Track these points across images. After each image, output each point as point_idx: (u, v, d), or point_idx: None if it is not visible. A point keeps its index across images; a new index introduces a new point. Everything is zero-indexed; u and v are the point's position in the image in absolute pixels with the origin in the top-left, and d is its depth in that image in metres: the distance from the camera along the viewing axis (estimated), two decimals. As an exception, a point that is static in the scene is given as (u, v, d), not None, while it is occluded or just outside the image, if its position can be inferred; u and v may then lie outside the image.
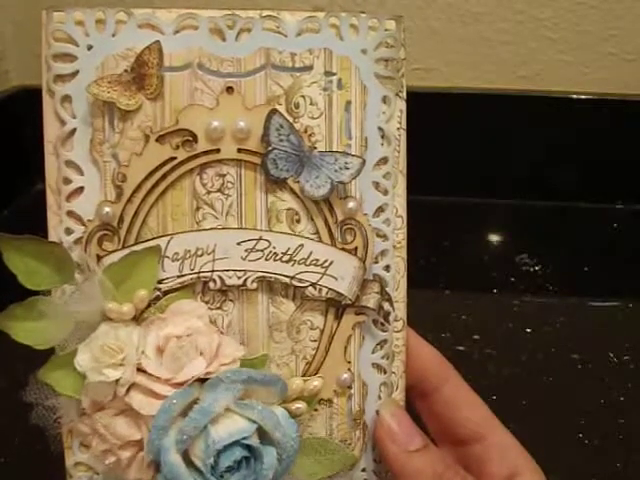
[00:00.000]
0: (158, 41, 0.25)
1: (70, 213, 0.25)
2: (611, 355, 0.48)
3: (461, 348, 0.48)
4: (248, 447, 0.23)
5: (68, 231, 0.25)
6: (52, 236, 0.25)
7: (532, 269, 0.58)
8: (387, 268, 0.27)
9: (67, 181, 0.25)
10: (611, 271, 0.58)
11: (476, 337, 0.49)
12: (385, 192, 0.26)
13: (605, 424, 0.42)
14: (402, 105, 0.27)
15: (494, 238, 0.64)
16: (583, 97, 0.63)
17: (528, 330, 0.50)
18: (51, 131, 0.25)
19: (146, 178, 0.25)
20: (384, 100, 0.26)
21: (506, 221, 0.65)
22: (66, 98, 0.25)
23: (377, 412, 0.27)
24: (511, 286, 0.56)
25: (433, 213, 0.64)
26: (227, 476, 0.23)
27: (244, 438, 0.23)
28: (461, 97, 0.64)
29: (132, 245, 0.25)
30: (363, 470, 0.27)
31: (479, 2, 0.61)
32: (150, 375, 0.24)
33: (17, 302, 0.24)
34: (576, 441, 0.41)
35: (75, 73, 0.25)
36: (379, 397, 0.27)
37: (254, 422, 0.24)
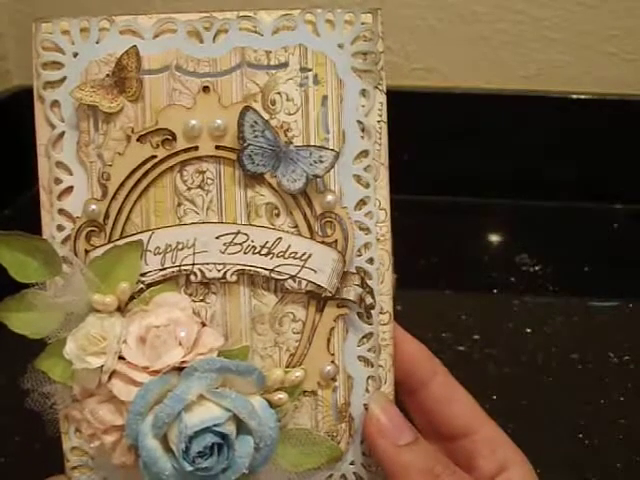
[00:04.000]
0: (135, 45, 0.26)
1: (61, 211, 0.27)
2: (611, 355, 0.48)
3: (461, 348, 0.48)
4: (221, 434, 0.24)
5: (59, 228, 0.27)
6: (45, 233, 0.27)
7: (532, 269, 0.57)
8: (371, 261, 0.27)
9: (58, 181, 0.27)
10: (611, 271, 0.57)
11: (476, 337, 0.49)
12: (366, 185, 0.27)
13: (605, 424, 0.41)
14: (382, 98, 0.27)
15: (494, 238, 0.64)
16: (583, 97, 0.63)
17: (528, 330, 0.50)
18: (42, 134, 0.27)
19: (128, 176, 0.26)
20: (363, 93, 0.27)
21: (506, 221, 0.65)
22: (55, 103, 0.26)
23: (366, 406, 0.27)
24: (511, 286, 0.55)
25: (433, 213, 0.64)
26: (199, 461, 0.24)
27: (216, 425, 0.24)
28: (461, 97, 0.64)
29: (117, 240, 0.26)
30: (352, 463, 0.28)
31: (479, 2, 0.61)
32: (129, 363, 0.25)
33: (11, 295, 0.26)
34: (576, 441, 0.40)
35: (63, 79, 0.26)
36: (367, 390, 0.27)
37: (228, 410, 0.24)
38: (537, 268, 0.58)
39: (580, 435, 0.41)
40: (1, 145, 0.62)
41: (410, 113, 0.59)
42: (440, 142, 0.63)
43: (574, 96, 0.63)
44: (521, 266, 0.58)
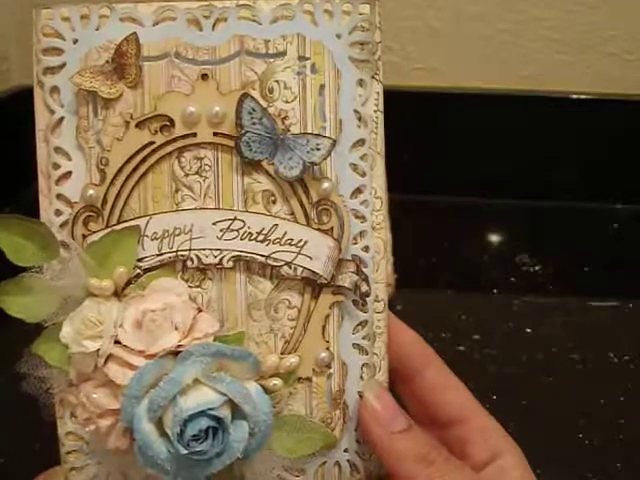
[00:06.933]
0: (135, 32, 0.26)
1: (59, 196, 0.27)
2: (611, 355, 0.48)
3: (461, 348, 0.48)
4: (216, 418, 0.24)
5: (57, 212, 0.27)
6: (43, 218, 0.27)
7: (532, 269, 0.57)
8: (366, 249, 0.27)
9: (56, 166, 0.27)
10: (611, 271, 0.58)
11: (476, 337, 0.49)
12: (363, 174, 0.27)
13: (605, 424, 0.41)
14: (379, 88, 0.27)
15: (494, 238, 0.64)
16: (583, 97, 0.63)
17: (528, 330, 0.50)
18: (41, 120, 0.27)
19: (127, 162, 0.26)
20: (360, 83, 0.27)
21: (506, 221, 0.65)
22: (54, 89, 0.27)
23: (360, 394, 0.27)
24: (511, 286, 0.56)
25: (433, 213, 0.64)
26: (194, 444, 0.24)
27: (211, 409, 0.24)
28: (461, 97, 0.64)
29: (115, 225, 0.26)
30: (346, 451, 0.28)
31: (479, 2, 0.62)
32: (126, 347, 0.25)
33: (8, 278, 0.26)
34: (576, 441, 0.40)
35: (62, 65, 0.26)
36: (361, 378, 0.27)
37: (223, 394, 0.24)
38: (537, 268, 0.58)
39: (580, 435, 0.41)
40: (1, 144, 0.62)
41: (410, 113, 0.60)
42: (440, 142, 0.63)
43: (574, 96, 0.63)
44: (521, 266, 0.58)
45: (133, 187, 0.26)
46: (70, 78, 0.26)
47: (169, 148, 0.26)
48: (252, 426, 0.25)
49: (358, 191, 0.27)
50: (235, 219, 0.26)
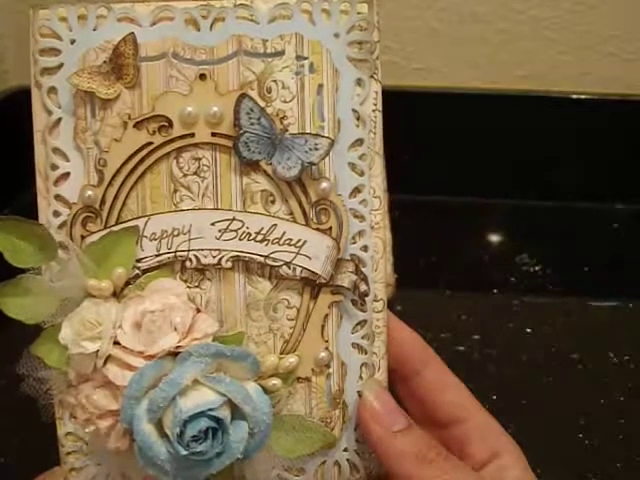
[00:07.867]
0: (133, 33, 0.26)
1: (57, 197, 0.27)
2: (611, 355, 0.48)
3: (461, 348, 0.48)
4: (216, 419, 0.24)
5: (56, 214, 0.27)
6: (41, 219, 0.27)
7: (532, 269, 0.57)
8: (365, 248, 0.27)
9: (54, 167, 0.27)
10: (611, 271, 0.58)
11: (476, 337, 0.49)
12: (361, 173, 0.27)
13: (605, 424, 0.41)
14: (377, 87, 0.27)
15: (494, 238, 0.64)
16: (583, 97, 0.63)
17: (528, 330, 0.50)
18: (39, 121, 0.27)
19: (125, 162, 0.26)
20: (358, 82, 0.27)
21: (506, 221, 0.65)
22: (52, 90, 0.27)
23: (359, 393, 0.27)
24: (511, 286, 0.56)
25: (433, 213, 0.64)
26: (193, 445, 0.24)
27: (211, 409, 0.24)
28: (461, 97, 0.64)
29: (113, 226, 0.26)
30: (345, 450, 0.28)
31: (479, 2, 0.62)
32: (125, 348, 0.25)
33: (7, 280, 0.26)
34: (576, 441, 0.40)
35: (60, 66, 0.26)
36: (360, 377, 0.27)
37: (222, 395, 0.24)
38: (537, 268, 0.58)
39: (580, 435, 0.41)
40: (0, 146, 0.62)
41: (410, 113, 0.60)
42: (440, 142, 0.63)
43: (574, 96, 0.63)
44: (521, 266, 0.58)
45: (131, 188, 0.26)
46: (68, 79, 0.26)
47: (167, 148, 0.26)
48: (252, 426, 0.25)
49: (357, 190, 0.27)
50: (234, 219, 0.26)
